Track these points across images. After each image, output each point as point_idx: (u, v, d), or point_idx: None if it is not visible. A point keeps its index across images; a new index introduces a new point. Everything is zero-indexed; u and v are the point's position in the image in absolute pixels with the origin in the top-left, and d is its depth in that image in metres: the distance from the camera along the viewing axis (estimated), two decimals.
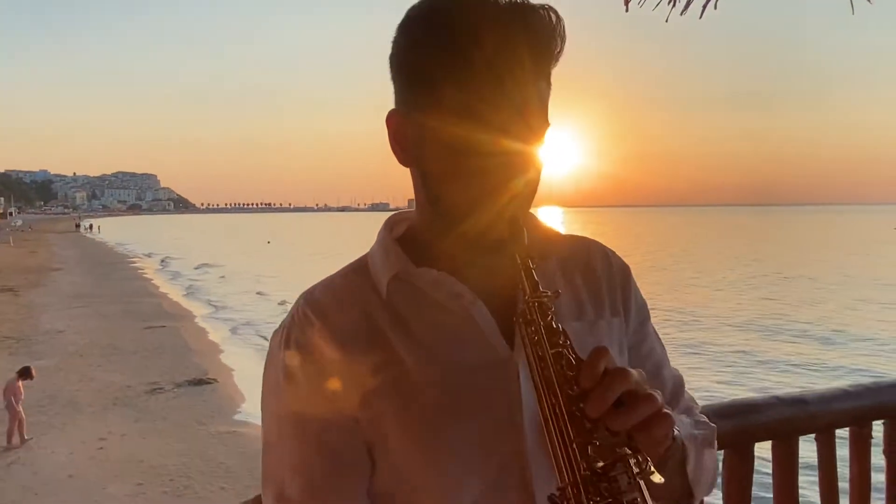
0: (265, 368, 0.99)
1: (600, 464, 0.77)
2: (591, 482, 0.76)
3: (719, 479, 1.75)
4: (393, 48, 0.91)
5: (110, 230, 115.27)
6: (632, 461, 0.77)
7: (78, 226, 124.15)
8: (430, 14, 0.88)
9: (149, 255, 56.53)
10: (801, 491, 1.83)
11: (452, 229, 0.92)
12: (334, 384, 0.93)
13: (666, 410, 0.83)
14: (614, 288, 1.07)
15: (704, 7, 2.93)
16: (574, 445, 0.78)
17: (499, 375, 0.93)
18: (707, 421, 1.08)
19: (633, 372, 0.82)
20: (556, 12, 0.88)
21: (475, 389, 0.92)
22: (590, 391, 0.79)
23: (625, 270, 1.10)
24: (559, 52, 0.89)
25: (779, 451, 1.79)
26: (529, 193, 0.91)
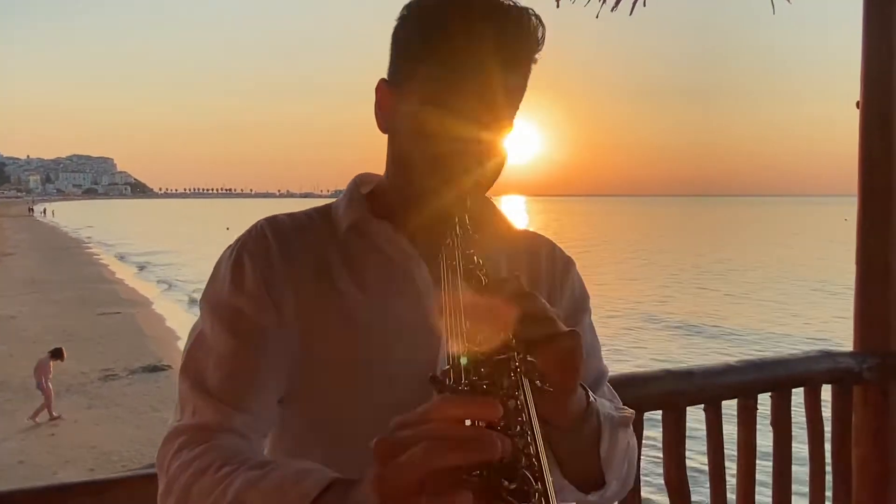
0: (214, 269, 1.06)
1: (485, 353, 0.77)
2: (473, 362, 0.76)
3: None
4: (397, 22, 1.01)
5: (65, 215, 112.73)
6: (517, 355, 0.78)
7: (32, 210, 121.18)
8: (432, 9, 0.98)
9: (104, 241, 55.49)
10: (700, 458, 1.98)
11: (412, 196, 1.03)
12: (276, 295, 1.01)
13: (574, 334, 0.85)
14: (554, 279, 1.16)
15: (634, 4, 3.09)
16: (464, 330, 0.79)
17: (425, 333, 0.99)
18: (626, 409, 1.12)
19: (546, 303, 0.86)
20: (537, 16, 0.98)
21: (401, 340, 1.01)
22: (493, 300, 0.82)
23: (567, 263, 1.20)
24: (535, 53, 0.99)
25: (668, 419, 1.96)
26: (486, 179, 1.01)
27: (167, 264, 38.15)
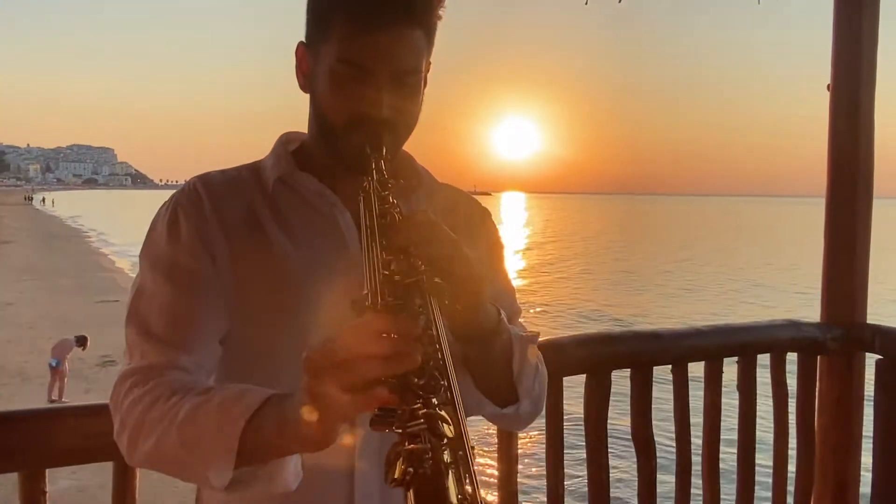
0: (150, 225, 1.15)
1: (398, 277, 0.89)
2: (388, 288, 0.87)
3: (581, 401, 2.02)
4: None
5: (65, 204, 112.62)
6: (425, 277, 0.90)
7: (29, 199, 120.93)
8: None
9: (103, 231, 55.49)
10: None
11: (333, 149, 1.13)
12: (210, 245, 1.10)
13: (468, 254, 0.97)
14: (472, 228, 1.26)
15: None
16: (380, 259, 0.90)
17: (347, 270, 1.06)
18: (537, 334, 1.24)
19: (450, 231, 0.97)
20: None
21: (327, 279, 1.10)
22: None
23: (483, 213, 1.32)
24: (434, 8, 1.09)
25: (636, 378, 2.06)
26: (402, 128, 1.11)
27: None
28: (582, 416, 2.00)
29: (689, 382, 2.16)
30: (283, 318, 1.10)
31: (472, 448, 0.80)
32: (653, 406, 2.08)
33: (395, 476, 0.76)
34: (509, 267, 1.35)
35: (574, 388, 2.01)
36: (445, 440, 0.78)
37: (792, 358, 2.38)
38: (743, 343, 2.25)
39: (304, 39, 1.14)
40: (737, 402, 2.29)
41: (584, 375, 1.99)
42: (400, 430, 0.77)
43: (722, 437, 2.23)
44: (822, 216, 2.52)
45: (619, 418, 2.17)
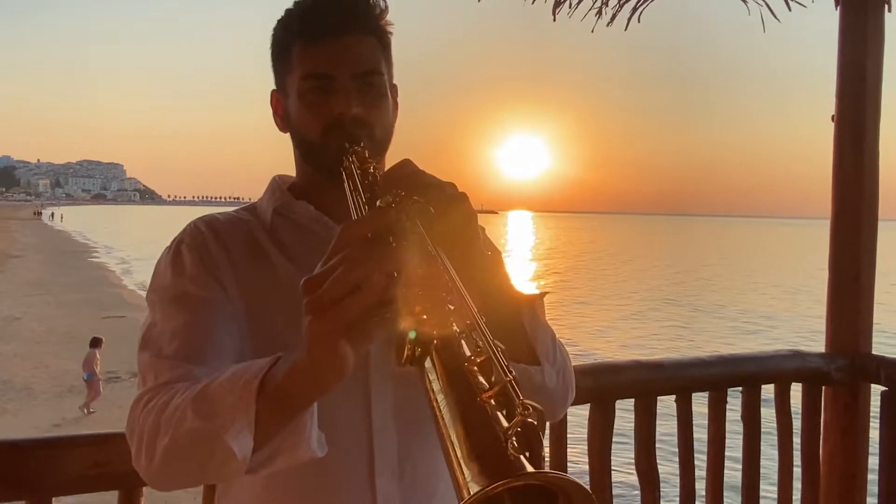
0: (155, 268, 1.17)
1: (380, 202, 0.89)
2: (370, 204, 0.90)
3: (585, 431, 2.02)
4: (272, 40, 1.21)
5: (73, 219, 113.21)
6: (404, 195, 0.90)
7: (39, 213, 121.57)
8: (289, 12, 1.18)
9: (111, 246, 55.72)
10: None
11: (314, 164, 1.19)
12: (216, 273, 1.12)
13: (449, 183, 0.99)
14: None
15: (629, 20, 3.22)
16: (365, 205, 0.94)
17: None
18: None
19: (433, 176, 1.00)
20: None
21: None
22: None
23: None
24: (378, 19, 1.17)
25: (639, 407, 2.06)
26: (372, 122, 1.15)
27: None
28: (586, 445, 2.01)
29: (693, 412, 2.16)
30: (291, 337, 1.11)
31: (480, 315, 0.78)
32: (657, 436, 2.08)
33: (407, 354, 0.76)
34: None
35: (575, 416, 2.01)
36: (451, 313, 0.78)
37: (796, 388, 2.38)
38: (747, 373, 2.26)
39: (274, 88, 1.22)
40: (741, 433, 2.29)
41: (588, 405, 1.99)
42: (404, 312, 0.77)
43: (726, 467, 2.22)
44: (826, 239, 2.52)
45: (623, 448, 2.17)
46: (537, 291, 1.17)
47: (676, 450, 2.16)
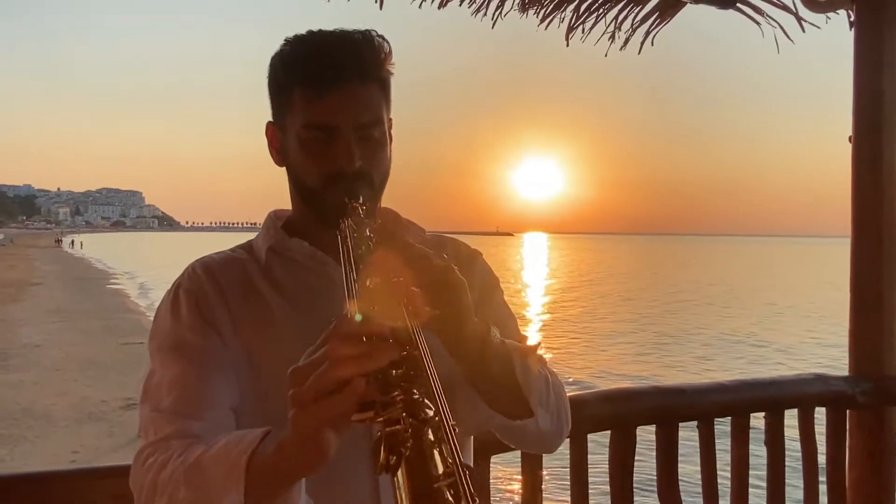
0: (154, 317, 1.20)
1: (370, 285, 0.92)
2: (363, 296, 0.90)
3: (606, 457, 2.00)
4: (268, 71, 1.21)
5: (92, 246, 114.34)
6: (397, 280, 0.92)
7: (59, 241, 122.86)
8: (288, 45, 1.17)
9: (129, 272, 56.18)
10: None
11: (313, 209, 1.19)
12: (213, 319, 1.14)
13: (447, 265, 1.00)
14: (461, 266, 1.24)
15: (643, 43, 3.23)
16: (357, 279, 0.95)
17: None
18: (540, 347, 1.22)
19: (421, 247, 1.02)
20: (380, 36, 1.17)
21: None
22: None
23: (471, 255, 1.35)
24: (382, 65, 1.17)
25: (660, 434, 2.04)
26: (372, 175, 1.16)
27: None
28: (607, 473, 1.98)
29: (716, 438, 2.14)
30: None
31: (454, 427, 0.80)
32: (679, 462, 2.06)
33: (381, 462, 0.77)
34: (507, 300, 1.36)
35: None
36: (426, 421, 0.79)
37: (820, 412, 2.35)
38: (770, 398, 2.23)
39: (271, 119, 1.22)
40: (765, 458, 2.25)
41: (609, 432, 1.98)
42: (380, 419, 0.79)
43: (750, 494, 2.19)
44: (847, 257, 2.50)
45: (646, 475, 2.14)
46: (531, 343, 1.18)
47: (699, 476, 2.13)
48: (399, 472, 0.77)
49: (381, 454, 0.77)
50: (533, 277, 57.38)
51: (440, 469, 0.77)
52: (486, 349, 1.08)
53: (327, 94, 1.12)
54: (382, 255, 0.97)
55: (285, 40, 1.18)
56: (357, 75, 1.13)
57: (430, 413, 0.80)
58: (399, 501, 0.77)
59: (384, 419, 0.79)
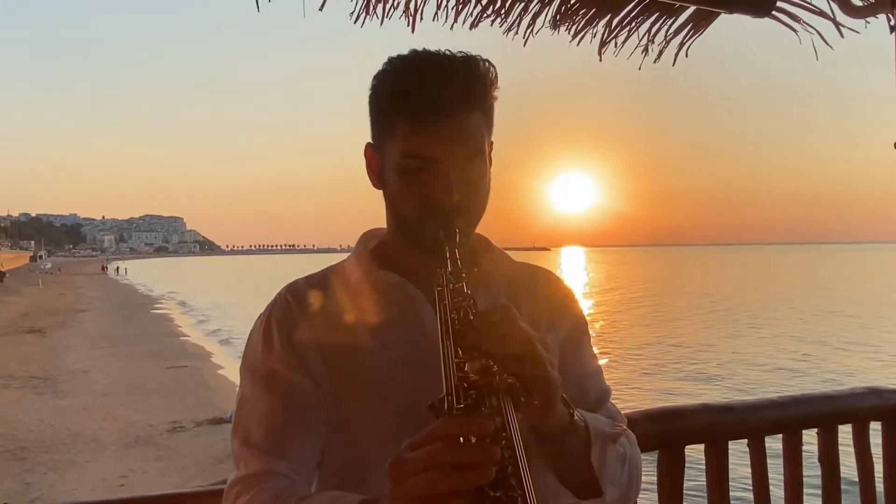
0: (248, 338, 1.21)
1: (473, 377, 0.91)
2: (464, 389, 0.90)
3: (654, 477, 1.96)
4: (370, 92, 1.18)
5: (136, 272, 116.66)
6: (499, 378, 0.92)
7: (105, 268, 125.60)
8: (390, 67, 1.14)
9: (173, 297, 57.12)
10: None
11: (410, 243, 1.17)
12: (303, 354, 1.15)
13: (542, 355, 0.97)
14: (552, 307, 1.27)
15: (676, 55, 3.20)
16: (455, 362, 0.93)
17: (433, 369, 1.03)
18: (625, 428, 1.22)
19: (527, 328, 0.99)
20: (485, 60, 1.14)
21: (414, 378, 1.10)
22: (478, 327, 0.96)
23: (566, 293, 1.32)
24: (488, 92, 1.14)
25: (710, 453, 1.99)
26: (474, 213, 1.14)
27: (232, 318, 38.98)
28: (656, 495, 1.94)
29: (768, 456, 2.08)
30: (374, 428, 1.14)
31: None
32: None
33: None
34: (593, 345, 1.33)
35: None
36: None
37: (875, 427, 2.28)
38: (822, 413, 2.17)
39: (370, 140, 1.20)
40: (818, 476, 2.19)
41: (657, 452, 1.94)
42: None
43: None
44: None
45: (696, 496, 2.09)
46: (612, 431, 1.16)
47: (751, 497, 2.07)
48: None
49: None
50: (601, 296, 56.44)
51: None
52: (569, 436, 1.08)
53: (429, 126, 1.09)
54: (482, 334, 0.95)
55: (388, 59, 1.15)
56: (461, 106, 1.10)
57: None
58: None
59: None
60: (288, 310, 1.19)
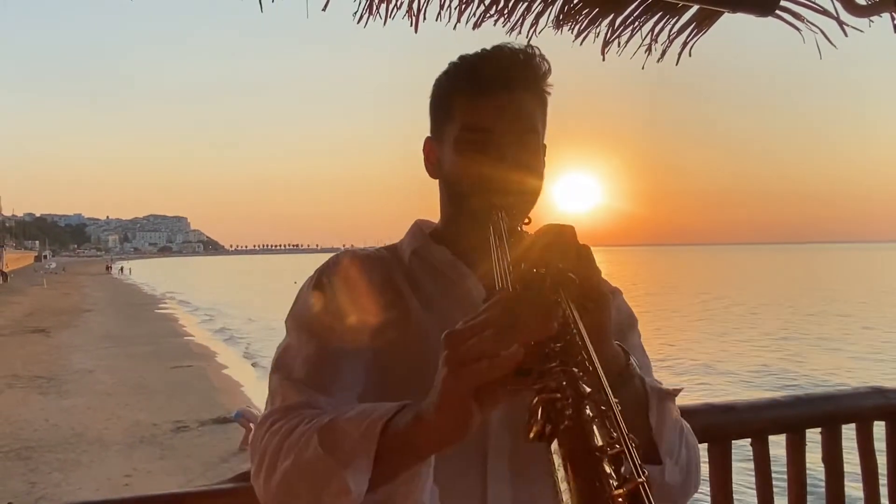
0: (297, 296, 1.22)
1: (525, 267, 0.91)
2: (518, 276, 0.90)
3: None
4: (433, 89, 1.24)
5: (141, 272, 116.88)
6: (554, 269, 0.89)
7: (109, 268, 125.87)
8: (455, 65, 1.21)
9: (176, 297, 57.22)
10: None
11: (463, 221, 1.20)
12: (352, 314, 1.16)
13: (596, 267, 0.97)
14: None
15: (680, 54, 3.20)
16: (509, 264, 0.94)
17: None
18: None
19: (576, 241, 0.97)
20: (541, 54, 1.19)
21: None
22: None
23: (610, 291, 1.30)
24: (542, 80, 1.18)
25: (713, 453, 1.99)
26: (525, 182, 1.16)
27: (236, 317, 39.06)
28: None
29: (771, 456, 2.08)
30: (417, 388, 1.12)
31: (617, 403, 0.74)
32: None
33: (537, 429, 0.72)
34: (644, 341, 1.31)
35: None
36: (585, 396, 0.73)
37: (879, 426, 2.27)
38: (825, 413, 2.16)
39: (429, 134, 1.25)
40: (822, 475, 2.18)
41: None
42: (537, 387, 0.75)
43: None
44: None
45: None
46: (669, 388, 1.12)
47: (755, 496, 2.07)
48: (554, 443, 0.71)
49: (538, 421, 0.72)
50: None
51: (602, 441, 0.70)
52: (624, 379, 1.04)
53: (489, 96, 1.14)
54: (541, 242, 0.95)
55: (451, 62, 1.22)
56: (517, 83, 1.15)
57: (589, 390, 0.74)
58: (559, 472, 0.70)
59: (541, 387, 0.75)
60: (341, 269, 1.21)
